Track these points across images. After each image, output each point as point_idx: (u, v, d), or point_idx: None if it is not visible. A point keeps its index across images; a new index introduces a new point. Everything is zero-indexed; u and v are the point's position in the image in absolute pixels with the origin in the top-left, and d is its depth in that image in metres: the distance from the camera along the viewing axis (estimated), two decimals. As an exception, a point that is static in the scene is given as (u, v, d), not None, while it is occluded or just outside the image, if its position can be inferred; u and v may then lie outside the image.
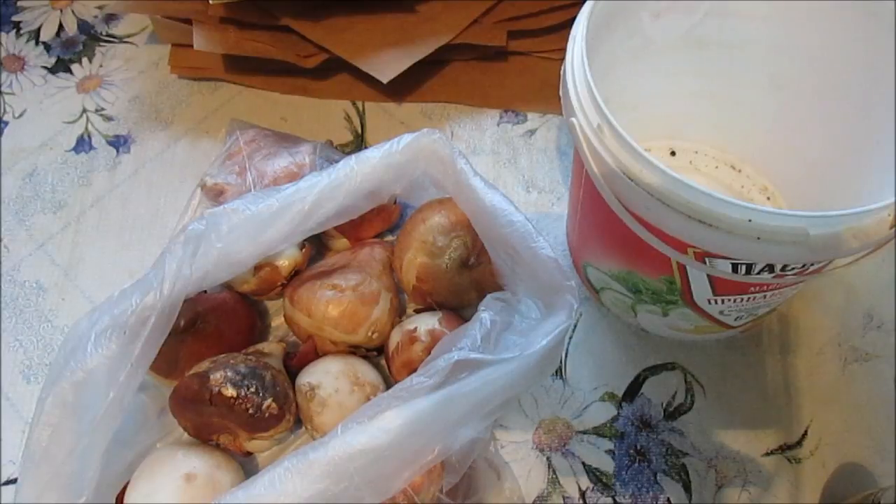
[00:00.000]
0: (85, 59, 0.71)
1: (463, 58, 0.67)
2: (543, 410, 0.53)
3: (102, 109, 0.68)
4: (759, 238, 0.36)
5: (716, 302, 0.46)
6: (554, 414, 0.53)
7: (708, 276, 0.43)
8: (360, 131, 0.66)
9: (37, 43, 0.72)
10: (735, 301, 0.46)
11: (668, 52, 0.52)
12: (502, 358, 0.42)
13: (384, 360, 0.52)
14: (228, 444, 0.48)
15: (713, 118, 0.57)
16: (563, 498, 0.50)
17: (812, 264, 0.40)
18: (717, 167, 0.59)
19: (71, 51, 0.72)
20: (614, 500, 0.50)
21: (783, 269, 0.40)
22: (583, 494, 0.50)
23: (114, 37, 0.72)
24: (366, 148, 0.50)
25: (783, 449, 0.51)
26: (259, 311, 0.56)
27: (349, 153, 0.54)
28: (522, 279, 0.48)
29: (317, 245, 0.57)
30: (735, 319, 0.49)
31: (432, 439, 0.41)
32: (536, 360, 0.43)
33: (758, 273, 0.40)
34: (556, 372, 0.54)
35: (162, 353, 0.45)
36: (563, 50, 0.42)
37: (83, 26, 0.73)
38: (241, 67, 0.67)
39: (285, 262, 0.52)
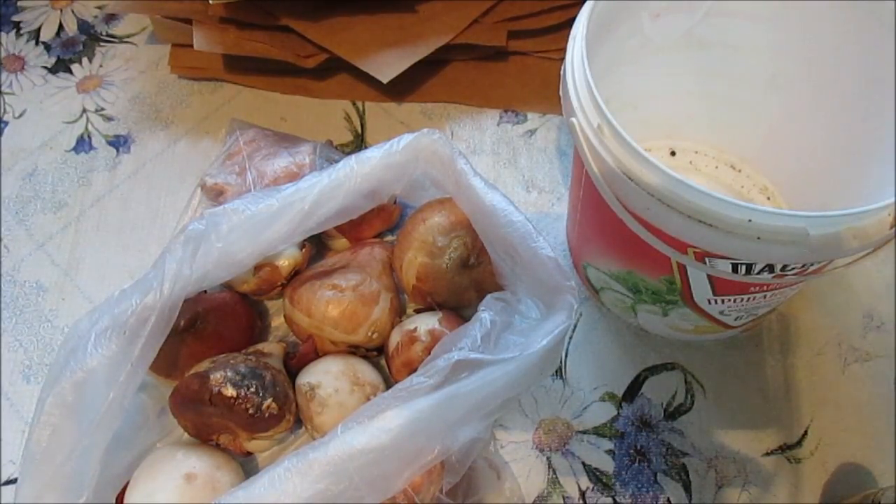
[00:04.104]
0: (85, 59, 0.71)
1: (463, 58, 0.67)
2: (543, 410, 0.53)
3: (102, 109, 0.68)
4: (759, 238, 0.36)
5: (716, 302, 0.46)
6: (554, 414, 0.53)
7: (708, 276, 0.43)
8: (360, 131, 0.66)
9: (37, 43, 0.72)
10: (735, 301, 0.46)
11: (668, 52, 0.52)
12: (502, 358, 0.42)
13: (384, 360, 0.52)
14: (228, 444, 0.48)
15: (713, 118, 0.57)
16: (563, 498, 0.50)
17: (812, 264, 0.40)
18: (717, 167, 0.59)
19: (71, 51, 0.72)
20: (614, 500, 0.50)
21: (783, 269, 0.40)
22: (583, 494, 0.50)
23: (114, 37, 0.72)
24: (366, 148, 0.50)
25: (783, 449, 0.51)
26: (259, 311, 0.56)
27: (349, 153, 0.54)
28: (522, 279, 0.48)
29: (317, 245, 0.57)
30: (735, 319, 0.49)
31: (432, 439, 0.41)
32: (536, 360, 0.43)
33: (758, 273, 0.40)
34: (556, 372, 0.54)
35: (162, 353, 0.45)
36: (563, 50, 0.42)
37: (83, 26, 0.73)
38: (241, 67, 0.67)
39: (285, 262, 0.52)
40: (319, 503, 0.38)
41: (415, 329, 0.49)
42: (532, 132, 0.65)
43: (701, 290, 0.45)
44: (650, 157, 0.37)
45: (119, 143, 0.66)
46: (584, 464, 0.51)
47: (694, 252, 0.40)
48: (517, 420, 0.52)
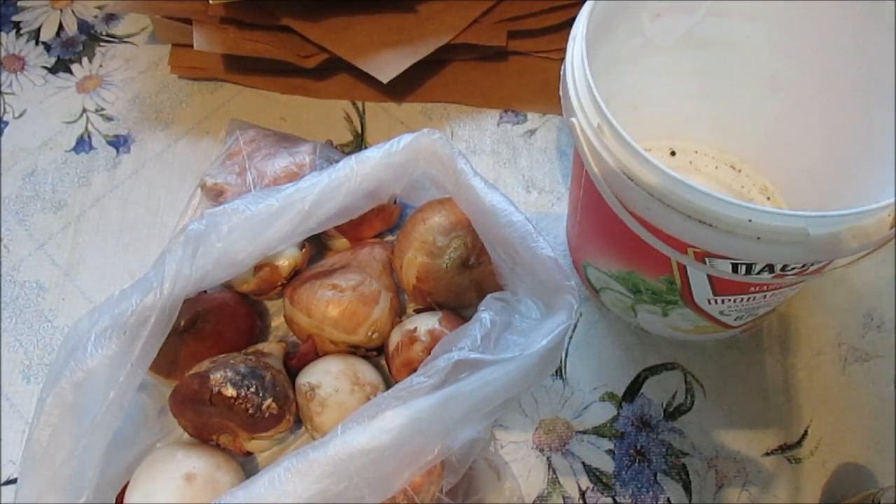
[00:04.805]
0: (85, 59, 0.71)
1: (463, 58, 0.67)
2: (543, 410, 0.53)
3: (102, 109, 0.68)
4: (759, 238, 0.36)
5: (716, 302, 0.46)
6: (554, 414, 0.53)
7: (708, 276, 0.43)
8: (360, 131, 0.66)
9: (37, 43, 0.72)
10: (735, 301, 0.46)
11: (668, 52, 0.52)
12: (502, 358, 0.42)
13: (384, 360, 0.52)
14: (228, 444, 0.48)
15: (713, 118, 0.57)
16: (563, 498, 0.50)
17: (812, 264, 0.40)
18: (717, 167, 0.59)
19: (71, 51, 0.72)
20: (614, 500, 0.50)
21: (783, 269, 0.40)
22: (583, 494, 0.50)
23: (114, 37, 0.72)
24: (366, 148, 0.50)
25: (783, 449, 0.51)
26: (259, 311, 0.56)
27: (349, 153, 0.54)
28: (522, 279, 0.48)
29: (317, 245, 0.57)
30: (735, 319, 0.49)
31: (432, 439, 0.41)
32: (536, 360, 0.43)
33: (758, 273, 0.40)
34: (556, 372, 0.54)
35: (162, 353, 0.45)
36: (563, 50, 0.42)
37: (83, 26, 0.73)
38: (241, 67, 0.67)
39: (285, 262, 0.52)
40: (319, 503, 0.38)
41: (415, 329, 0.49)
42: (532, 132, 0.65)
43: (701, 290, 0.45)
44: (650, 157, 0.37)
45: (119, 143, 0.66)
46: (584, 464, 0.51)
47: (694, 252, 0.40)
48: (517, 420, 0.52)
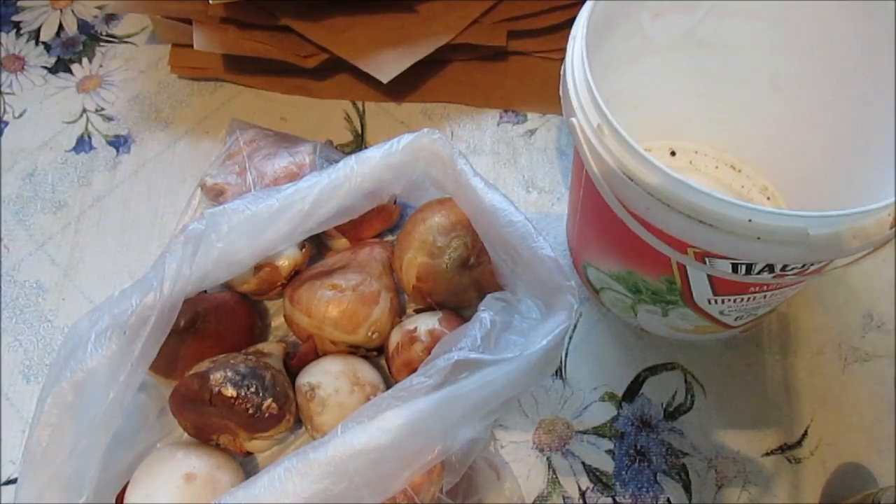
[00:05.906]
0: (85, 59, 0.71)
1: (463, 58, 0.67)
2: (543, 410, 0.53)
3: (102, 109, 0.68)
4: (759, 238, 0.36)
5: (716, 302, 0.46)
6: (554, 414, 0.53)
7: (708, 276, 0.43)
8: (360, 131, 0.66)
9: (37, 43, 0.72)
10: (735, 301, 0.46)
11: (668, 52, 0.52)
12: (502, 358, 0.42)
13: (384, 360, 0.52)
14: (228, 444, 0.48)
15: (713, 118, 0.57)
16: (563, 498, 0.50)
17: (812, 264, 0.40)
18: (717, 167, 0.59)
19: (71, 51, 0.72)
20: (614, 500, 0.50)
21: (783, 269, 0.40)
22: (583, 494, 0.50)
23: (114, 37, 0.72)
24: (366, 148, 0.50)
25: (783, 449, 0.51)
26: (259, 311, 0.56)
27: (349, 153, 0.54)
28: (522, 279, 0.48)
29: (317, 245, 0.57)
30: (735, 319, 0.49)
31: (432, 439, 0.41)
32: (536, 360, 0.43)
33: (758, 273, 0.40)
34: (556, 372, 0.54)
35: (162, 353, 0.45)
36: (563, 50, 0.42)
37: (83, 26, 0.73)
38: (241, 67, 0.67)
39: (285, 262, 0.52)
40: (319, 503, 0.38)
41: (415, 329, 0.49)
42: (532, 132, 0.65)
43: (701, 290, 0.45)
44: (650, 157, 0.37)
45: (119, 143, 0.66)
46: (584, 464, 0.51)
47: (694, 252, 0.40)
48: (517, 420, 0.52)
